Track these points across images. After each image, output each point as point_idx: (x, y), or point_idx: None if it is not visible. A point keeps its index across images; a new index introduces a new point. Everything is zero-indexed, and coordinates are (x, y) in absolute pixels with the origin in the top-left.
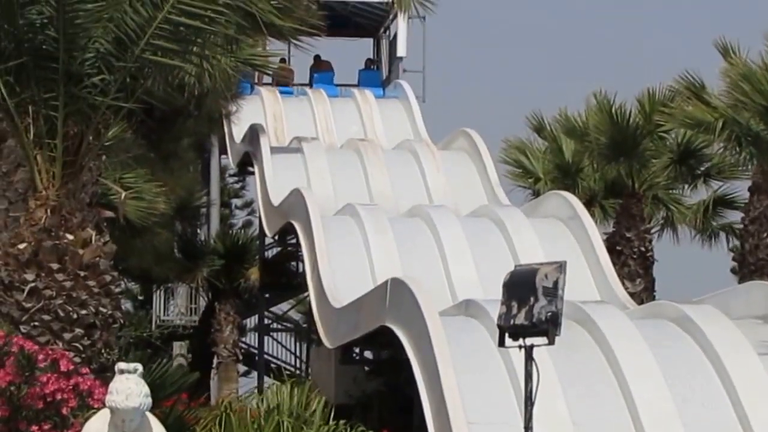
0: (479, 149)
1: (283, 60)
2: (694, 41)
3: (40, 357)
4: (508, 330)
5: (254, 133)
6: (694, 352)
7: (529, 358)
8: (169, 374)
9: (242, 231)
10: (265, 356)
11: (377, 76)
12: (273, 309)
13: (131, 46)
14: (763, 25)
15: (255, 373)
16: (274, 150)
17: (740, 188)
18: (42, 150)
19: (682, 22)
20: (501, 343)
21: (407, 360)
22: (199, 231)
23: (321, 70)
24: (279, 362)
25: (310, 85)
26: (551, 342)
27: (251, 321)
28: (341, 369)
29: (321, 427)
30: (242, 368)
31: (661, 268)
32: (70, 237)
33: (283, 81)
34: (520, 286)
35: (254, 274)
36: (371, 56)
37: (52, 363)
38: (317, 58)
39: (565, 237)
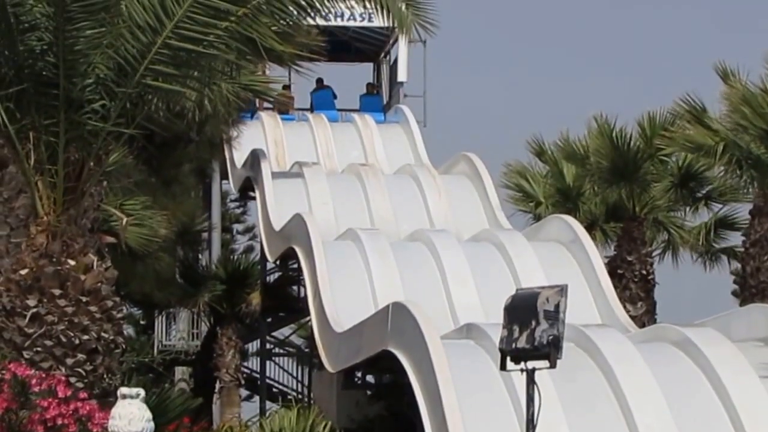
0: (480, 173)
1: (286, 86)
2: (694, 65)
3: (34, 382)
4: (510, 353)
5: (255, 158)
6: (696, 375)
7: (530, 381)
8: (171, 399)
9: (244, 256)
10: (267, 380)
11: (378, 100)
12: (275, 333)
13: (131, 71)
14: (763, 48)
15: (257, 398)
16: (275, 175)
17: (741, 210)
18: (43, 176)
19: (682, 45)
20: (503, 366)
21: (409, 384)
22: (200, 256)
23: (321, 89)
24: (281, 386)
25: (311, 108)
26: (553, 365)
27: (253, 345)
28: (343, 393)
29: None
30: (244, 392)
31: (663, 291)
32: (72, 263)
33: (284, 108)
34: (522, 309)
35: (256, 298)
36: (372, 81)
37: (50, 389)
38: (319, 81)
39: (566, 261)
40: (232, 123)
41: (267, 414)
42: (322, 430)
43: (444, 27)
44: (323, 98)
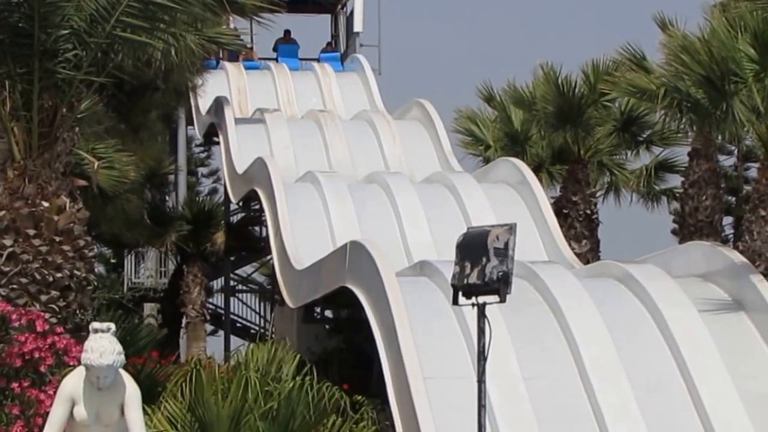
0: (432, 119)
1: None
2: (633, 15)
3: (14, 317)
4: (462, 289)
5: (219, 105)
6: (638, 309)
7: (481, 315)
8: (139, 333)
9: (208, 198)
10: (231, 316)
11: (336, 57)
12: (238, 271)
13: (103, 23)
14: None
15: (222, 332)
16: (238, 121)
17: (680, 153)
18: (18, 122)
19: None
20: (455, 301)
21: (366, 319)
22: (167, 198)
23: (287, 43)
24: (244, 322)
25: (276, 57)
26: (503, 300)
27: (218, 283)
28: (303, 327)
29: (287, 382)
30: (210, 328)
31: (606, 229)
32: (46, 204)
33: (247, 56)
34: (473, 247)
35: (220, 238)
36: (330, 31)
37: (29, 323)
38: (287, 32)
39: (514, 201)
40: (197, 72)
41: (234, 349)
42: (292, 364)
43: None
44: (289, 50)
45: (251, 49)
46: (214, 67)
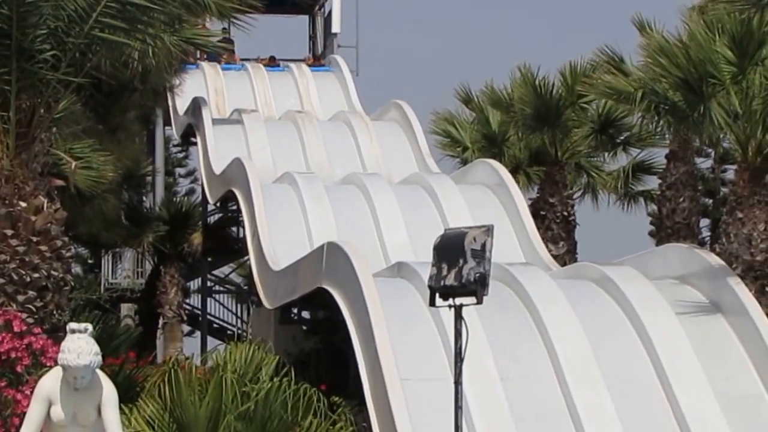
0: (410, 120)
1: (229, 41)
2: (611, 17)
3: None
4: (439, 290)
5: (197, 105)
6: (615, 311)
7: (458, 316)
8: (116, 333)
9: (186, 198)
10: (208, 317)
11: (328, 70)
12: (215, 272)
13: (81, 23)
14: (678, 1)
15: (199, 333)
16: (216, 121)
17: (658, 155)
18: None
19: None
20: (432, 302)
21: (343, 320)
22: (144, 199)
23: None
24: (221, 322)
25: None
26: (479, 301)
27: (195, 283)
28: (280, 328)
29: (264, 383)
30: (186, 328)
31: (583, 231)
32: (23, 204)
33: (228, 59)
34: (450, 248)
35: (197, 239)
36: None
37: (6, 323)
38: (272, 58)
39: (492, 203)
40: (175, 72)
41: (210, 350)
42: (271, 365)
43: None
44: None
45: (233, 51)
46: (193, 68)
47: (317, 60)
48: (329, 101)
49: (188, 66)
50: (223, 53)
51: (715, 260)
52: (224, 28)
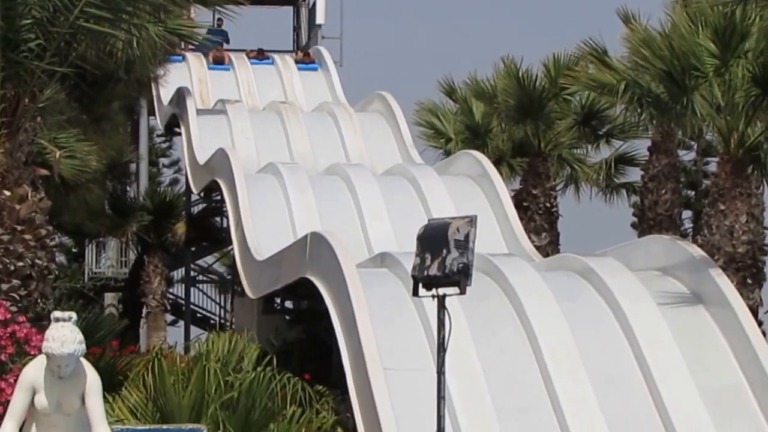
0: (394, 111)
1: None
2: (596, 9)
3: None
4: (422, 280)
5: (181, 95)
6: (597, 302)
7: (441, 307)
8: (100, 322)
9: (169, 188)
10: (192, 306)
11: (315, 68)
12: (199, 262)
13: (66, 13)
14: None
15: (182, 323)
16: (200, 112)
17: (640, 147)
18: None
19: None
20: (415, 292)
21: (326, 309)
22: (128, 188)
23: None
24: (205, 312)
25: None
26: (462, 292)
27: (178, 273)
28: (263, 318)
29: (247, 373)
30: (170, 318)
31: (566, 223)
32: (8, 193)
33: (218, 59)
34: (434, 238)
35: (181, 229)
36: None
37: None
38: (261, 51)
39: (475, 194)
40: (159, 63)
41: (193, 339)
42: (253, 354)
43: None
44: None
45: (220, 44)
46: (179, 61)
47: (306, 56)
48: (313, 92)
49: (174, 58)
50: (212, 47)
51: (697, 252)
52: (219, 18)
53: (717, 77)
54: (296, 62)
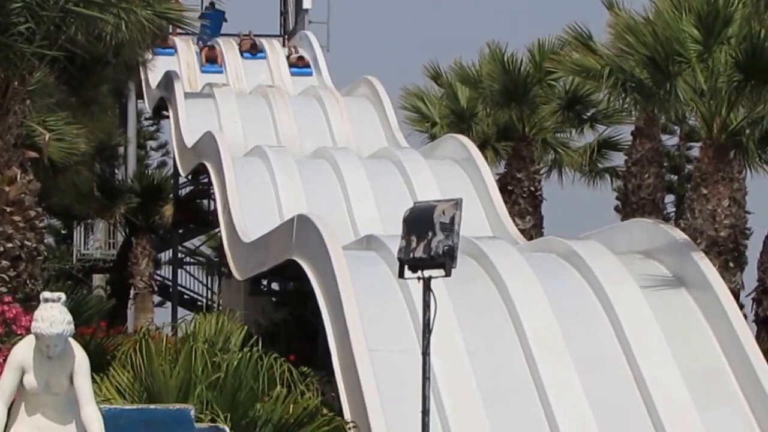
0: (380, 96)
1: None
2: None
3: None
4: (408, 263)
5: (169, 79)
6: (581, 285)
7: (427, 289)
8: (88, 303)
9: (157, 171)
10: (179, 288)
11: (309, 72)
12: (186, 244)
13: None
14: None
15: (169, 304)
16: (188, 95)
17: (624, 132)
18: None
19: None
20: (401, 274)
21: (312, 291)
22: (117, 171)
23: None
24: (192, 293)
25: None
26: (448, 274)
27: (166, 255)
28: (250, 299)
29: (234, 353)
30: (157, 299)
31: (549, 206)
32: None
33: (211, 58)
34: (419, 221)
35: (168, 211)
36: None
37: None
38: (254, 45)
39: (460, 177)
40: (148, 47)
41: (179, 320)
42: (240, 335)
43: None
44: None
45: (219, 25)
46: (172, 54)
47: (300, 60)
48: (299, 76)
49: (166, 51)
50: (205, 45)
51: (680, 235)
52: (211, 2)
53: (700, 63)
54: (290, 66)
